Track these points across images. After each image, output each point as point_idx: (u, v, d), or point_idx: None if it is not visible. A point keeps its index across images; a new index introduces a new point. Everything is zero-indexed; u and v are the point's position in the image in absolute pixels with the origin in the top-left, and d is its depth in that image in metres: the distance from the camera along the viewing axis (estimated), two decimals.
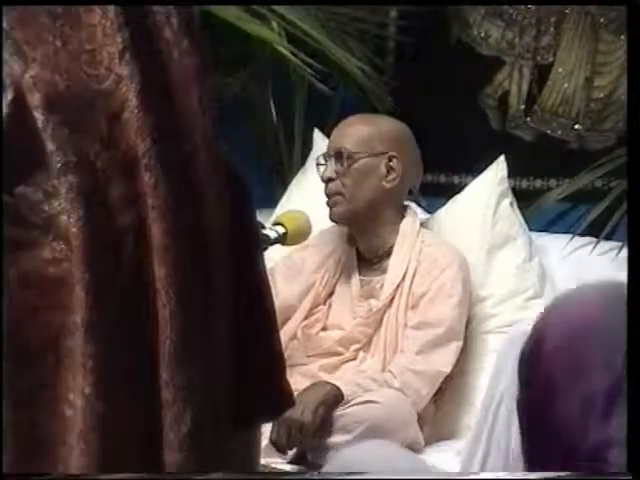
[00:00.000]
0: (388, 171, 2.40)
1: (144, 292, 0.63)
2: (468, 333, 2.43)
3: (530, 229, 2.59)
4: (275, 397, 0.75)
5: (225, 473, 0.69)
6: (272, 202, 2.68)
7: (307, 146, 2.76)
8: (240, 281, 0.70)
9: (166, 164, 0.65)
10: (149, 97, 0.65)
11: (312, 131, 2.73)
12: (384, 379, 2.28)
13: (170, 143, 0.65)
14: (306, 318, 2.43)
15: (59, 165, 0.63)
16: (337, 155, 2.40)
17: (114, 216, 0.62)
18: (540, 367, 0.97)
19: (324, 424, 2.20)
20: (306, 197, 2.59)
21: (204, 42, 0.68)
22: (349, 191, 2.38)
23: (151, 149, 0.64)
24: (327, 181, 2.40)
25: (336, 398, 2.22)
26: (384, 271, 2.39)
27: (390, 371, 2.29)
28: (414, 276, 2.36)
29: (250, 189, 0.74)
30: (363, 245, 2.44)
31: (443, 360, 2.31)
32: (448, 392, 2.41)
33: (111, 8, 0.65)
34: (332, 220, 2.42)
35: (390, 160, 2.40)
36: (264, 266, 0.77)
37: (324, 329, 2.44)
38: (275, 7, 2.65)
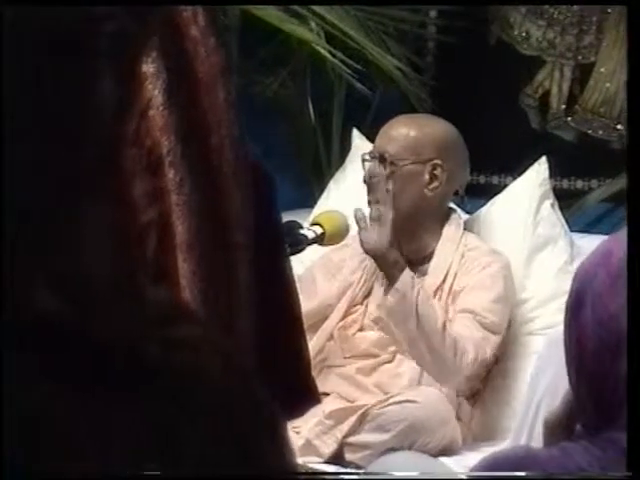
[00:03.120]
0: (431, 179, 2.37)
1: (168, 289, 0.63)
2: (508, 335, 2.41)
3: (571, 230, 2.56)
4: (300, 394, 0.75)
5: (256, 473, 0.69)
6: (310, 202, 2.68)
7: (345, 146, 2.76)
8: (264, 278, 0.70)
9: (191, 161, 0.65)
10: (175, 95, 0.65)
11: (350, 131, 2.73)
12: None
13: (195, 141, 0.66)
14: (343, 318, 2.43)
15: None
16: (381, 159, 2.38)
17: (138, 213, 0.62)
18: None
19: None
20: (345, 197, 2.58)
21: (229, 41, 0.68)
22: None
23: (176, 146, 0.65)
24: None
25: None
26: (424, 273, 2.38)
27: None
28: (455, 278, 2.35)
29: (275, 187, 0.74)
30: (405, 247, 2.43)
31: (487, 343, 2.29)
32: (487, 393, 2.39)
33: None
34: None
35: (434, 168, 2.37)
36: (289, 263, 0.77)
37: (361, 329, 2.43)
38: (314, 7, 2.65)
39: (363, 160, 2.44)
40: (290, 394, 0.75)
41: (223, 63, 0.66)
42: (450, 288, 2.34)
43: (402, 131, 2.38)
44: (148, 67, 0.64)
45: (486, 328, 2.30)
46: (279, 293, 0.76)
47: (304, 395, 0.75)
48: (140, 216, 0.62)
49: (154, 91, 0.64)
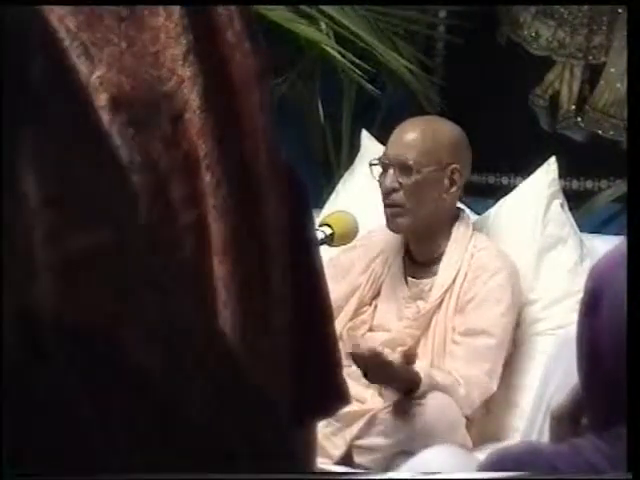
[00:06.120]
0: (451, 184, 2.37)
1: (205, 291, 0.63)
2: (517, 335, 2.42)
3: (581, 230, 2.56)
4: (331, 395, 0.75)
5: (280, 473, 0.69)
6: (320, 203, 2.69)
7: (355, 147, 2.76)
8: (298, 281, 0.71)
9: (227, 165, 0.65)
10: (211, 98, 0.66)
11: (360, 132, 2.73)
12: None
13: (231, 144, 0.66)
14: (351, 319, 2.43)
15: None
16: (401, 166, 2.36)
17: (175, 215, 0.63)
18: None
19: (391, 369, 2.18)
20: (354, 198, 2.58)
21: (264, 44, 0.69)
22: (412, 204, 2.35)
23: (213, 150, 0.65)
24: (389, 191, 2.38)
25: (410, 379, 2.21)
26: (434, 274, 2.38)
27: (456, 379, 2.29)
28: (464, 280, 2.35)
29: (308, 191, 0.75)
30: (415, 248, 2.42)
31: (494, 375, 2.31)
32: (496, 394, 2.39)
33: (175, 10, 0.66)
34: (391, 230, 2.41)
35: (453, 173, 2.37)
36: (322, 266, 0.77)
37: (370, 330, 2.43)
38: (324, 8, 2.65)
39: (371, 165, 2.44)
40: (322, 394, 0.75)
41: (259, 67, 0.67)
42: (459, 291, 2.34)
43: (418, 136, 2.37)
44: (185, 70, 0.65)
45: (495, 345, 2.30)
46: (312, 295, 0.76)
47: (335, 395, 0.75)
48: (178, 219, 0.62)
49: (191, 94, 0.65)
